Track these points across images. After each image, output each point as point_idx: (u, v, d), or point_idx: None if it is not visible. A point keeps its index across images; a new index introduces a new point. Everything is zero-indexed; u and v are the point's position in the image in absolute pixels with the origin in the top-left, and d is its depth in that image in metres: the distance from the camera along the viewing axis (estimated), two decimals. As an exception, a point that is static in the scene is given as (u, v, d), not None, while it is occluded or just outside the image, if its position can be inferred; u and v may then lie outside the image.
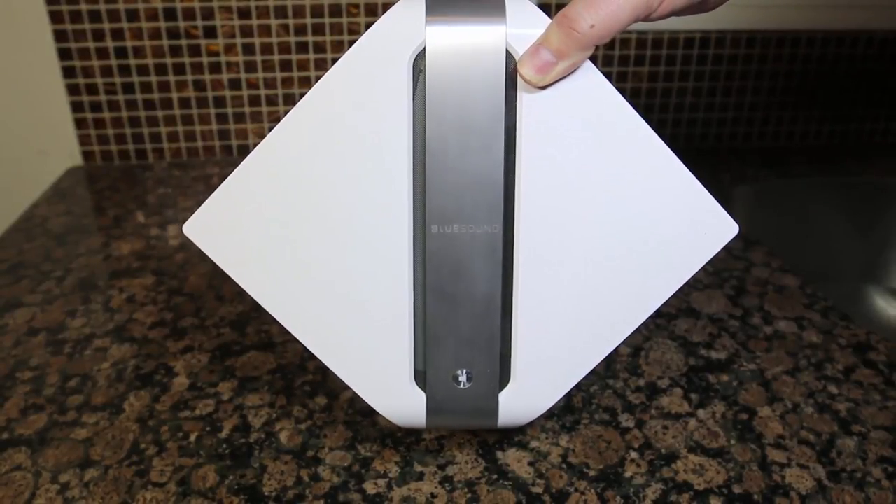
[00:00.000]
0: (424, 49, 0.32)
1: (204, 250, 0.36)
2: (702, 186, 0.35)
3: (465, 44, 0.32)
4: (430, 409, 0.37)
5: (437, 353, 0.36)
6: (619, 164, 0.34)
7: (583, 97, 0.33)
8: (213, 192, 0.35)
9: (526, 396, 0.37)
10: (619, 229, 0.35)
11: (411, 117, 0.33)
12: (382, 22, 0.33)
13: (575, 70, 0.33)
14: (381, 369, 0.36)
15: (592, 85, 0.33)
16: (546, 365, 0.36)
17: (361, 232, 0.35)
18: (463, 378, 0.36)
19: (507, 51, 0.32)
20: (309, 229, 0.35)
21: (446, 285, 0.35)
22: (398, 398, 0.37)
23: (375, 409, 0.37)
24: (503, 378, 0.37)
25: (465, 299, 0.35)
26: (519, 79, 0.33)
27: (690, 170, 0.35)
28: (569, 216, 0.34)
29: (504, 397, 0.37)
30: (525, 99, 0.33)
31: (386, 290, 0.35)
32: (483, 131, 0.33)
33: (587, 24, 0.31)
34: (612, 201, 0.34)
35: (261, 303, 0.36)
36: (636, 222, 0.35)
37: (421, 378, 0.37)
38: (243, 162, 0.35)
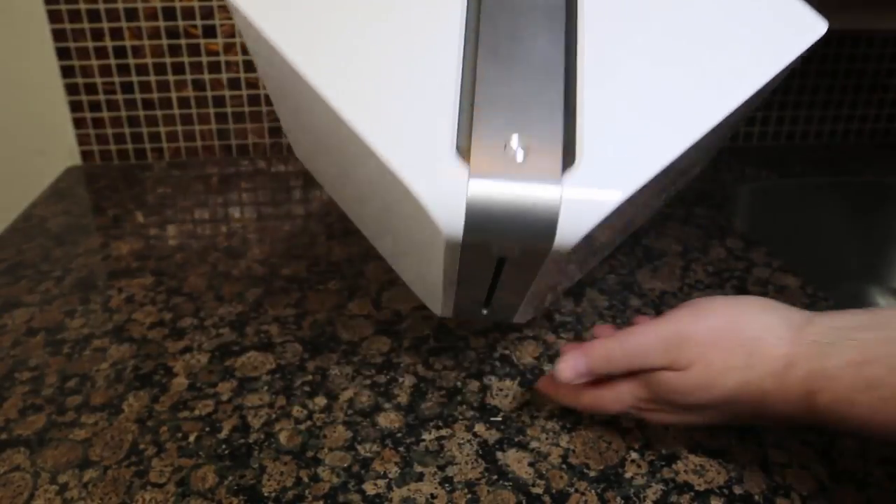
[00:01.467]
0: None
1: (234, 3, 0.33)
2: None
3: None
4: (473, 196, 0.29)
5: (487, 118, 0.29)
6: None
7: None
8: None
9: (593, 182, 0.30)
10: (696, 9, 0.32)
11: None
12: None
13: None
14: (420, 136, 0.30)
15: None
16: (616, 146, 0.30)
17: None
18: (516, 147, 0.29)
19: None
20: None
21: (501, 45, 0.30)
22: (437, 172, 0.30)
23: (410, 188, 0.30)
24: (566, 160, 0.30)
25: (522, 61, 0.30)
26: None
27: None
28: None
29: (567, 183, 0.29)
30: None
31: (433, 44, 0.31)
32: None
33: None
34: None
35: (288, 58, 0.31)
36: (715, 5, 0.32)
37: (465, 154, 0.30)
38: None
